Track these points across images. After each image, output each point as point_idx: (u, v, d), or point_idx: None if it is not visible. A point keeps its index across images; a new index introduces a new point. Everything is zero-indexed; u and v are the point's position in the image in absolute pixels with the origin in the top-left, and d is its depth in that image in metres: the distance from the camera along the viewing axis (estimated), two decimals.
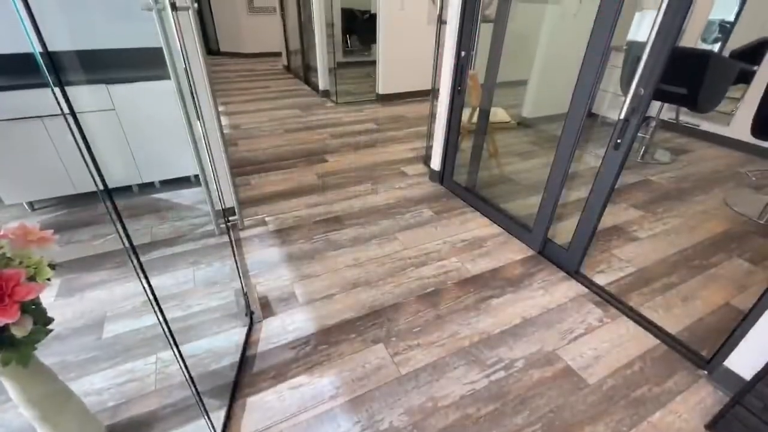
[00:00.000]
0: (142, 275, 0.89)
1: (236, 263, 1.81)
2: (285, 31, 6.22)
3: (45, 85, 1.81)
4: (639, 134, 3.08)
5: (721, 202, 2.58)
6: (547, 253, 2.01)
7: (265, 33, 7.36)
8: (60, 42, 2.27)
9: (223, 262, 1.91)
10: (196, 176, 2.64)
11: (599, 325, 1.59)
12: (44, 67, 0.79)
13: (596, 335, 1.55)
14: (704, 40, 3.61)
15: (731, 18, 3.45)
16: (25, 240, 0.85)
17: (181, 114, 1.77)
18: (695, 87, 2.63)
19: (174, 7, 1.48)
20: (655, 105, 3.14)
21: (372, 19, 5.49)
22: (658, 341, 1.53)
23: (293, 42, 5.99)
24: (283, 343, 1.48)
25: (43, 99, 2.00)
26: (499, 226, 2.27)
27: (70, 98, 0.83)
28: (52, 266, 0.86)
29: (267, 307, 1.65)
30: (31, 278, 0.81)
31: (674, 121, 3.69)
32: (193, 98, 1.69)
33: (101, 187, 0.87)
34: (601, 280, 1.84)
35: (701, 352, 1.46)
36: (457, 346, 1.48)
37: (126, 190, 2.51)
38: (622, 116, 1.44)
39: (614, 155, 1.55)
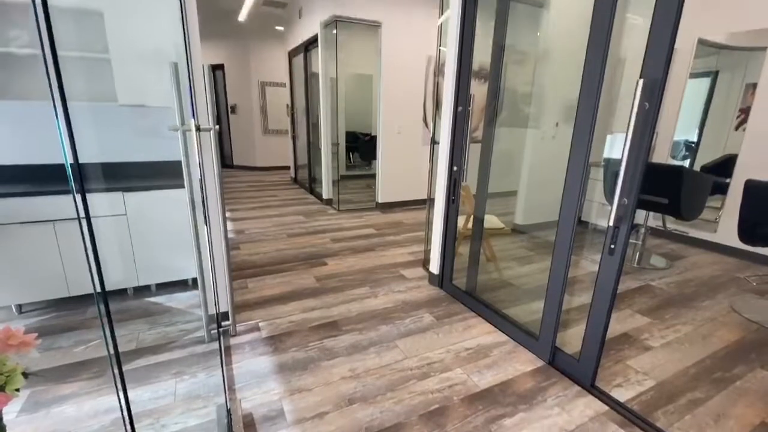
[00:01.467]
0: (121, 391, 0.82)
1: (223, 376, 1.68)
2: (295, 148, 6.89)
3: (66, 192, 1.92)
4: (631, 240, 3.16)
5: (727, 308, 2.52)
6: (558, 363, 1.88)
7: (277, 150, 8.14)
8: (88, 155, 2.50)
9: (209, 372, 1.77)
10: (194, 279, 2.62)
11: None
12: (71, 177, 0.86)
13: None
14: (674, 157, 3.98)
15: (695, 138, 3.88)
16: (5, 344, 0.81)
17: (190, 220, 1.85)
18: (675, 197, 2.81)
19: (198, 128, 1.67)
20: (642, 213, 3.31)
21: (372, 140, 6.14)
22: None
23: (301, 158, 6.58)
24: None
25: (60, 204, 2.11)
26: (503, 333, 2.17)
27: (88, 205, 0.89)
28: (26, 375, 0.80)
29: (251, 427, 1.47)
30: (0, 388, 0.74)
31: (663, 228, 3.84)
32: (204, 206, 1.79)
33: (98, 290, 0.87)
34: (620, 395, 1.69)
35: None
36: None
37: (121, 293, 2.47)
38: (611, 224, 1.51)
39: (610, 260, 1.58)
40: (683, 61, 3.76)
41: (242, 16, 6.81)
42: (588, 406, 1.63)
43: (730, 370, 1.88)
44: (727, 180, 3.50)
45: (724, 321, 2.35)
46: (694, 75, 3.78)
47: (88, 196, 0.81)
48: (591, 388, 1.72)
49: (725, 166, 3.53)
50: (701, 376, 1.83)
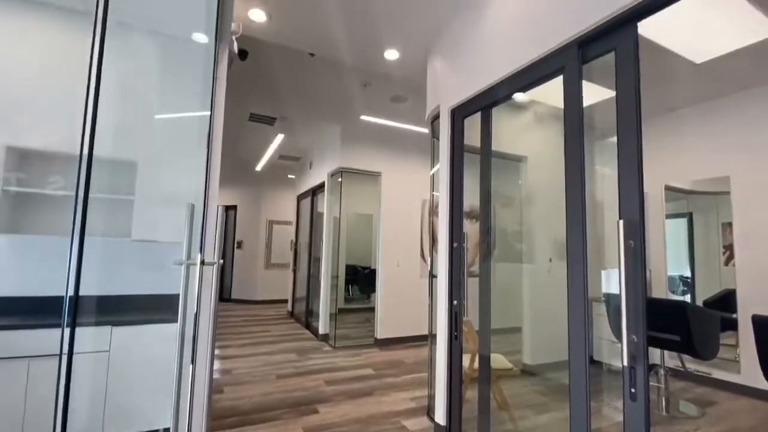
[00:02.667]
0: None
1: None
2: (294, 281, 6.92)
3: (54, 326, 1.85)
4: (652, 383, 2.89)
5: None
6: None
7: (276, 284, 8.16)
8: (87, 287, 2.49)
9: None
10: (166, 430, 2.30)
11: None
12: (66, 311, 0.85)
13: None
14: (673, 292, 3.97)
15: (688, 274, 3.94)
16: None
17: (175, 358, 1.74)
18: (686, 334, 2.69)
19: (203, 262, 1.73)
20: (657, 351, 3.12)
21: (372, 273, 6.23)
22: None
23: (300, 290, 6.55)
24: None
25: (41, 339, 2.00)
26: None
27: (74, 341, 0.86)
28: None
29: None
30: None
31: (683, 369, 3.56)
32: (194, 342, 1.71)
33: None
34: None
35: None
36: None
37: None
38: (626, 363, 1.42)
39: (634, 407, 1.42)
40: (656, 204, 4.12)
41: (259, 167, 7.74)
42: None
43: None
44: (734, 315, 3.42)
45: None
46: (670, 216, 4.08)
47: (77, 330, 0.80)
48: None
49: (727, 300, 3.49)
50: None
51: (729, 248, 3.57)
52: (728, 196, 3.59)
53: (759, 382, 3.18)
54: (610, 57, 1.59)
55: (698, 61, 3.00)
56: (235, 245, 8.18)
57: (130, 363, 2.20)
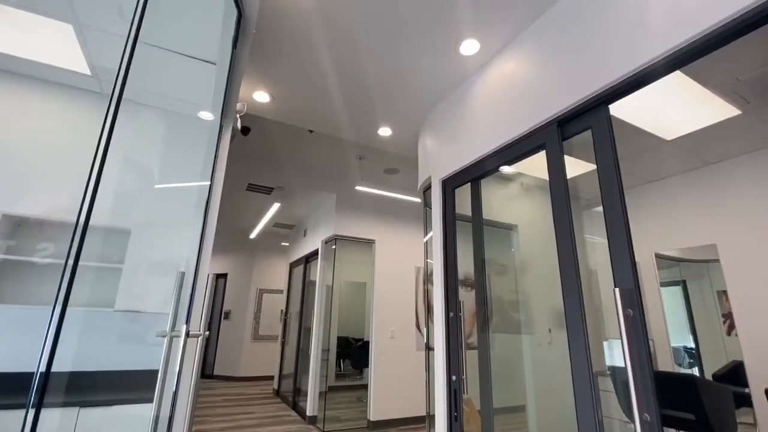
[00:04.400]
0: None
1: None
2: (282, 356, 6.53)
3: (14, 406, 1.68)
4: None
5: None
6: None
7: (263, 358, 7.69)
8: (59, 363, 2.32)
9: None
10: None
11: None
12: (34, 389, 0.79)
13: None
14: (679, 365, 3.80)
15: (692, 345, 3.82)
16: None
17: None
18: (700, 412, 2.53)
19: (188, 334, 1.64)
20: None
21: (365, 345, 5.93)
22: None
23: (288, 366, 6.15)
24: None
25: None
26: None
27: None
28: None
29: None
30: None
31: None
32: (168, 426, 1.56)
33: None
34: None
35: None
36: None
37: None
38: None
39: None
40: (649, 272, 4.13)
41: (253, 234, 7.76)
42: None
43: None
44: (746, 390, 3.24)
45: None
46: (665, 284, 4.07)
47: (41, 412, 0.74)
48: None
49: (736, 372, 3.34)
50: None
51: (728, 317, 3.51)
52: (719, 264, 3.63)
53: None
54: (589, 134, 1.72)
55: (668, 138, 3.25)
56: (222, 316, 7.85)
57: None
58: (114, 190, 2.26)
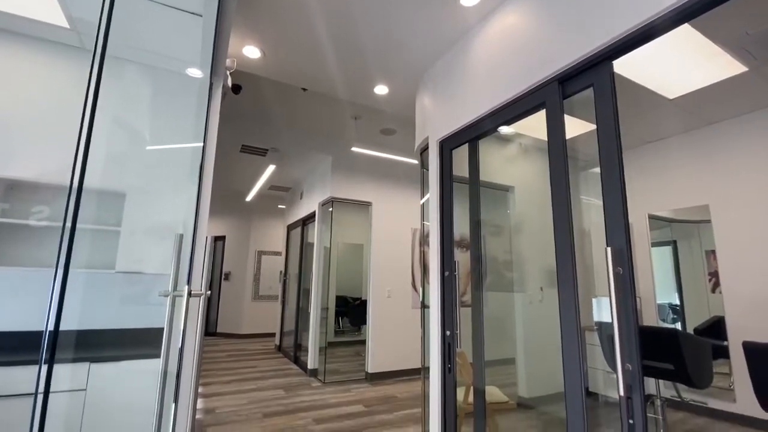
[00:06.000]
0: None
1: None
2: (283, 313, 6.75)
3: (29, 363, 1.77)
4: (650, 414, 2.84)
5: None
6: None
7: (264, 316, 7.94)
8: (66, 322, 2.39)
9: None
10: None
11: None
12: (45, 347, 0.82)
13: None
14: (663, 320, 3.98)
15: (677, 302, 3.97)
16: None
17: (156, 396, 1.65)
18: (680, 363, 2.68)
19: (190, 293, 1.69)
20: (652, 381, 3.08)
21: (363, 304, 6.12)
22: None
23: (288, 323, 6.38)
24: None
25: (8, 378, 1.89)
26: None
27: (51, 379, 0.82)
28: None
29: None
30: None
31: (678, 399, 3.50)
32: (176, 379, 1.64)
33: None
34: None
35: None
36: None
37: None
38: (622, 393, 1.40)
39: None
40: (641, 232, 4.21)
41: (249, 197, 7.73)
42: None
43: None
44: (725, 342, 3.42)
45: None
46: (656, 244, 4.16)
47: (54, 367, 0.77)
48: None
49: (717, 327, 3.51)
50: None
51: (714, 275, 3.63)
52: (710, 224, 3.69)
53: (755, 411, 3.14)
54: (590, 92, 1.68)
55: (670, 96, 3.18)
56: (223, 277, 8.01)
57: (107, 402, 2.08)
58: (105, 151, 2.22)
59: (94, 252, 2.50)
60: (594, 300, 3.85)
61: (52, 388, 2.00)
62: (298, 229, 6.35)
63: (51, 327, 0.76)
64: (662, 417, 2.96)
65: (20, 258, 2.36)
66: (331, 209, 5.07)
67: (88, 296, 2.50)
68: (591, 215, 4.08)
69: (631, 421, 1.40)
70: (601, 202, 1.59)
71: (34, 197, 2.39)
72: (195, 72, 2.30)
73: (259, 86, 3.46)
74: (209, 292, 1.80)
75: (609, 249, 1.48)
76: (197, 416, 3.30)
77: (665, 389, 3.30)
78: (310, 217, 5.71)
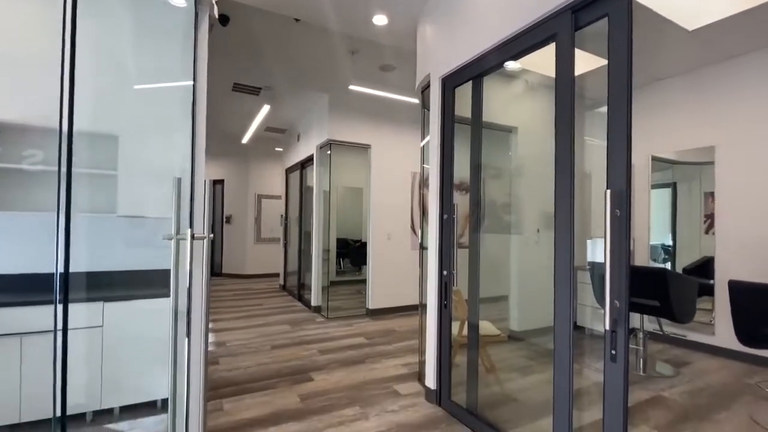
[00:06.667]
0: None
1: None
2: (285, 256, 6.94)
3: (43, 302, 1.85)
4: (631, 346, 3.05)
5: (747, 419, 2.31)
6: None
7: (267, 258, 8.18)
8: (75, 264, 2.47)
9: None
10: (164, 401, 2.35)
11: None
12: (58, 288, 0.85)
13: None
14: (654, 260, 4.11)
15: (670, 242, 4.07)
16: None
17: (170, 331, 1.75)
18: (665, 300, 2.81)
19: (193, 237, 1.71)
20: (637, 316, 3.26)
21: (363, 246, 6.27)
22: None
23: (291, 264, 6.59)
24: None
25: (30, 316, 2.00)
26: None
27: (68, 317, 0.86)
28: None
29: None
30: None
31: (660, 332, 3.74)
32: (187, 316, 1.73)
33: (59, 414, 0.78)
34: None
35: None
36: None
37: (79, 418, 2.17)
38: (608, 327, 1.48)
39: (614, 368, 1.50)
40: (642, 174, 4.18)
41: (245, 139, 7.56)
42: None
43: None
44: (711, 281, 3.57)
45: None
46: (655, 186, 4.16)
47: (69, 306, 0.80)
48: None
49: (705, 267, 3.64)
50: None
51: (710, 217, 3.67)
52: (712, 166, 3.66)
53: (732, 343, 3.37)
54: (603, 24, 1.56)
55: (690, 28, 2.97)
56: (224, 220, 8.11)
57: (124, 337, 2.22)
58: (92, 91, 2.12)
59: (94, 196, 2.50)
60: (589, 241, 3.93)
61: (73, 325, 2.12)
62: (297, 173, 6.30)
63: (61, 267, 0.78)
64: (643, 348, 3.18)
65: (18, 202, 2.36)
66: (329, 152, 4.98)
67: (93, 240, 2.54)
68: (593, 158, 4.02)
69: (613, 352, 1.50)
70: (604, 143, 1.55)
71: (24, 141, 2.33)
72: (178, 0, 2.12)
73: (249, 18, 3.20)
74: (212, 236, 1.83)
75: (609, 191, 1.48)
76: (209, 349, 3.55)
77: (648, 323, 3.51)
78: (309, 161, 5.64)
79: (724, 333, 3.45)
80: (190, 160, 1.91)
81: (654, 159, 4.14)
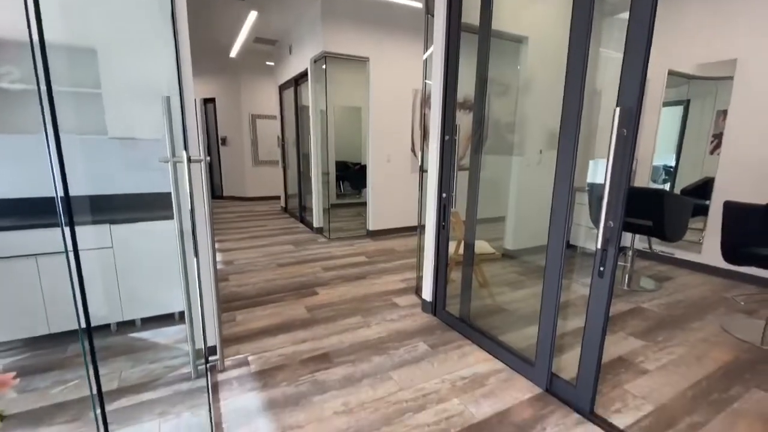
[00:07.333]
0: None
1: (210, 416, 1.61)
2: (285, 178, 6.93)
3: (52, 225, 1.89)
4: (619, 263, 3.20)
5: (718, 328, 2.53)
6: (555, 390, 1.84)
7: (267, 180, 8.17)
8: (76, 187, 2.48)
9: (195, 412, 1.68)
10: (181, 313, 2.55)
11: None
12: (61, 210, 0.85)
13: None
14: (654, 181, 4.11)
15: (672, 163, 4.03)
16: None
17: (178, 251, 1.82)
18: (659, 220, 2.88)
19: (189, 159, 1.68)
20: (628, 235, 3.37)
21: (362, 169, 6.22)
22: None
23: (291, 187, 6.61)
24: None
25: (43, 238, 2.06)
26: (499, 360, 2.13)
27: (76, 238, 0.88)
28: (2, 417, 0.76)
29: None
30: None
31: (649, 250, 3.91)
32: (193, 237, 1.78)
33: (83, 326, 0.84)
34: (620, 421, 1.65)
35: None
36: None
37: (104, 329, 2.37)
38: (599, 246, 1.54)
39: (600, 283, 1.59)
40: (656, 90, 3.96)
41: (234, 53, 7.02)
42: None
43: (727, 392, 1.87)
44: (707, 202, 3.62)
45: (716, 341, 2.36)
46: (667, 104, 3.97)
47: (76, 229, 0.81)
48: (590, 414, 1.69)
49: (704, 188, 3.65)
50: (698, 399, 1.82)
51: (718, 137, 3.58)
52: (730, 82, 3.46)
53: (716, 261, 3.53)
54: None
55: None
56: (220, 141, 7.94)
57: (135, 257, 2.32)
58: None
59: (81, 117, 2.40)
60: (591, 162, 3.89)
61: (82, 246, 2.19)
62: (291, 90, 5.98)
63: (61, 191, 0.77)
64: (630, 264, 3.34)
65: (5, 125, 2.27)
66: (324, 66, 4.66)
67: (89, 163, 2.51)
68: (606, 73, 3.78)
69: (601, 269, 1.58)
70: (619, 55, 1.44)
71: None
72: None
73: None
74: (209, 158, 1.80)
75: (618, 109, 1.41)
76: (218, 267, 3.74)
77: (639, 242, 3.64)
78: (303, 76, 5.31)
79: (710, 251, 3.60)
80: (176, 76, 1.79)
81: (670, 73, 3.89)
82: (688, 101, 3.88)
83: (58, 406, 1.69)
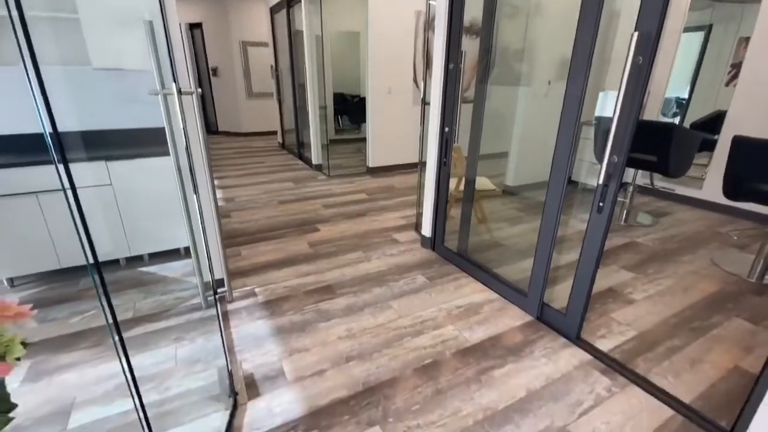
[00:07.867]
0: (123, 355, 0.84)
1: (222, 339, 1.72)
2: (281, 112, 6.68)
3: (48, 162, 1.86)
4: (619, 198, 3.21)
5: (708, 262, 2.62)
6: (546, 318, 1.96)
7: (262, 114, 7.89)
8: (67, 123, 2.39)
9: (208, 337, 1.81)
10: (187, 248, 2.62)
11: (608, 396, 1.50)
12: (51, 146, 0.82)
13: (607, 407, 1.45)
14: (664, 114, 3.97)
15: (685, 95, 3.86)
16: (0, 315, 0.81)
17: (178, 189, 1.81)
18: (664, 155, 2.83)
19: (179, 92, 1.60)
20: (631, 171, 3.34)
21: (361, 101, 5.96)
22: (672, 412, 1.43)
23: (288, 122, 6.40)
24: (269, 430, 1.35)
25: (41, 175, 2.04)
26: (494, 291, 2.24)
27: (72, 175, 0.86)
28: (25, 344, 0.81)
29: (253, 387, 1.53)
30: (1, 357, 0.75)
31: (650, 186, 3.90)
32: (191, 173, 1.75)
33: (91, 261, 0.86)
34: (603, 345, 1.78)
35: (720, 422, 1.37)
36: (460, 426, 1.36)
37: (113, 263, 2.46)
38: (601, 182, 1.52)
39: (598, 218, 1.61)
40: (678, 13, 3.65)
41: None
42: (573, 356, 1.72)
43: (708, 320, 1.99)
44: (715, 137, 3.52)
45: (704, 274, 2.46)
46: (688, 29, 3.69)
47: (71, 166, 0.79)
48: (576, 339, 1.81)
49: (714, 122, 3.54)
50: (680, 326, 1.94)
51: (736, 66, 3.38)
52: (758, 6, 3.17)
53: (716, 196, 3.54)
54: None
55: None
56: (210, 72, 7.52)
57: (135, 194, 2.32)
58: None
59: (61, 46, 2.24)
60: (601, 93, 3.72)
61: (80, 184, 2.18)
62: (283, 13, 5.51)
63: (48, 126, 0.73)
64: (629, 200, 3.36)
65: None
66: None
67: (76, 95, 2.39)
68: None
69: (601, 204, 1.58)
70: None
71: None
72: None
73: None
74: (200, 90, 1.71)
75: (636, 34, 1.31)
76: (219, 204, 3.76)
77: (640, 178, 3.62)
78: None
79: (711, 187, 3.59)
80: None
81: None
82: (710, 26, 3.60)
83: (77, 334, 1.81)
